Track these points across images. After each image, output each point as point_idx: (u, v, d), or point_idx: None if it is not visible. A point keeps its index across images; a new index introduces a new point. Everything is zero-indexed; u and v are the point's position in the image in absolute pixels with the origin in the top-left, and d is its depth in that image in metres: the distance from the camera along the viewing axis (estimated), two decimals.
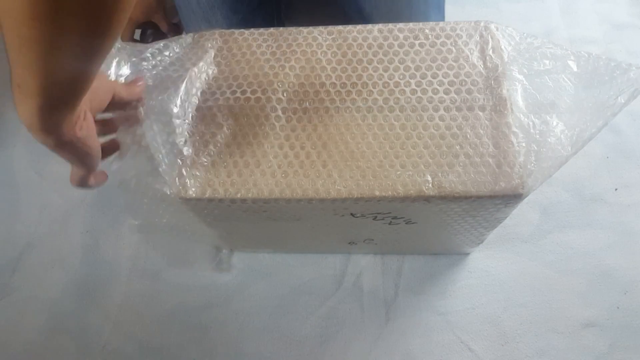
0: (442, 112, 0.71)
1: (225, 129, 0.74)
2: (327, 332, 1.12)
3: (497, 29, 0.76)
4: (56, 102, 0.51)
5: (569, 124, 0.68)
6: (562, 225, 1.19)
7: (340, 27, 0.80)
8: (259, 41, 0.81)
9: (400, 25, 0.79)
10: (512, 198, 0.69)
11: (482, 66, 0.74)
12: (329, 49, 0.78)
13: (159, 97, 0.75)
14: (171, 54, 0.79)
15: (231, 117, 0.75)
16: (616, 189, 1.22)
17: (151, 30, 1.13)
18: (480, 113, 0.71)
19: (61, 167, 1.29)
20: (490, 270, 1.15)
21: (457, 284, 1.14)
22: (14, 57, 0.45)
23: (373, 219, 0.79)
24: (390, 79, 0.74)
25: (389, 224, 0.82)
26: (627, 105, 0.69)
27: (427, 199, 0.69)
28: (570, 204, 1.21)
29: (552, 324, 1.10)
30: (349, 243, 1.03)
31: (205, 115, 0.75)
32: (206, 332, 1.13)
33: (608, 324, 1.09)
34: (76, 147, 0.59)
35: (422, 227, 0.85)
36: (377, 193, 0.68)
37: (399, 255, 1.18)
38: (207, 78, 0.77)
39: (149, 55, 0.77)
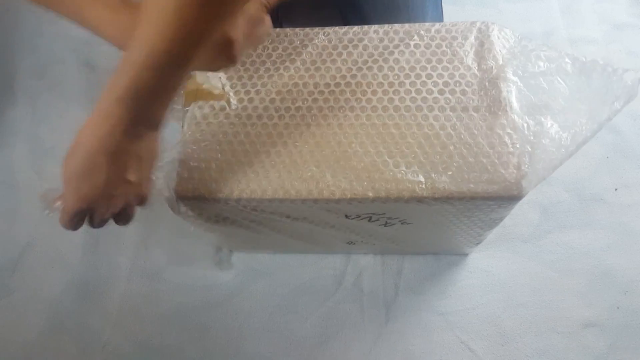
0: (436, 112, 0.71)
1: (219, 130, 0.74)
2: (327, 332, 1.12)
3: (493, 31, 0.76)
4: None
5: (563, 125, 0.68)
6: (562, 225, 1.18)
7: (336, 28, 0.80)
8: None
9: (396, 26, 0.79)
10: (506, 199, 0.68)
11: (477, 67, 0.74)
12: (324, 50, 0.78)
13: None
14: None
15: (225, 119, 0.75)
16: (616, 189, 1.21)
17: None
18: (475, 114, 0.71)
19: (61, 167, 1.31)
20: (490, 270, 1.15)
21: (457, 284, 1.14)
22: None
23: (368, 221, 0.79)
24: (385, 79, 0.74)
25: (385, 225, 0.82)
26: (624, 108, 0.69)
27: (421, 199, 0.68)
28: (570, 204, 1.20)
29: (552, 324, 1.10)
30: (348, 243, 1.03)
31: (199, 117, 0.75)
32: (206, 332, 1.14)
33: (608, 324, 1.09)
34: None
35: (418, 227, 0.85)
36: (370, 194, 0.68)
37: (399, 255, 1.18)
38: None
39: None
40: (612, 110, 0.68)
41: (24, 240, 1.26)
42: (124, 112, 0.53)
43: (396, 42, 0.77)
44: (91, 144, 0.55)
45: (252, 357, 1.11)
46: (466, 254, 1.16)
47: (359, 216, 0.77)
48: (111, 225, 1.24)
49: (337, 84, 0.75)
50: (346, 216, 0.77)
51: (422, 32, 0.78)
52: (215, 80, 0.77)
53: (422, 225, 0.84)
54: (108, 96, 0.53)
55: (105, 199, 0.60)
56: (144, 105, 0.54)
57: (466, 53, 0.75)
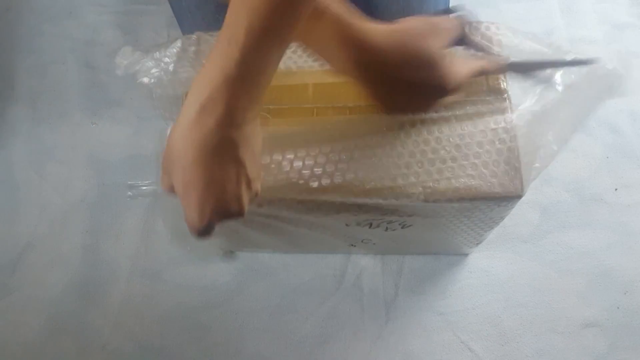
0: (432, 113, 0.71)
1: None
2: (327, 332, 1.12)
3: (493, 30, 0.76)
4: None
5: (556, 123, 0.68)
6: (562, 225, 1.18)
7: None
8: None
9: None
10: (505, 199, 0.68)
11: None
12: None
13: None
14: (169, 58, 0.78)
15: None
16: (616, 189, 1.21)
17: None
18: (473, 114, 0.70)
19: (61, 167, 1.31)
20: (490, 270, 1.15)
21: (457, 284, 1.14)
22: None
23: (369, 228, 0.79)
24: None
25: (385, 230, 0.82)
26: (624, 108, 0.69)
27: (419, 202, 0.68)
28: (570, 204, 1.20)
29: (552, 324, 1.10)
30: (349, 245, 1.03)
31: None
32: (206, 332, 1.14)
33: (608, 324, 1.09)
34: None
35: (418, 229, 0.85)
36: (371, 194, 0.68)
37: (399, 255, 1.17)
38: None
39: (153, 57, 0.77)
40: (600, 106, 0.69)
41: (24, 240, 1.26)
42: (231, 97, 0.50)
43: None
44: (199, 151, 0.51)
45: (252, 357, 1.11)
46: (466, 254, 1.15)
47: (359, 224, 0.77)
48: (111, 225, 1.24)
49: (333, 83, 0.75)
50: (346, 225, 0.77)
51: None
52: None
53: (422, 227, 0.83)
54: (208, 84, 0.50)
55: (231, 206, 0.56)
56: (252, 82, 0.51)
57: None
